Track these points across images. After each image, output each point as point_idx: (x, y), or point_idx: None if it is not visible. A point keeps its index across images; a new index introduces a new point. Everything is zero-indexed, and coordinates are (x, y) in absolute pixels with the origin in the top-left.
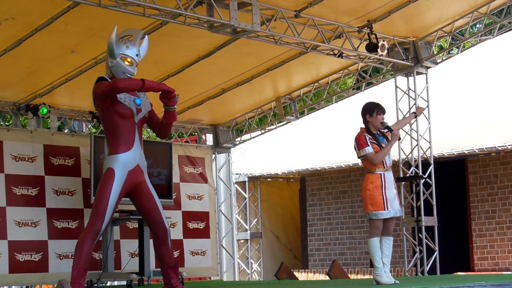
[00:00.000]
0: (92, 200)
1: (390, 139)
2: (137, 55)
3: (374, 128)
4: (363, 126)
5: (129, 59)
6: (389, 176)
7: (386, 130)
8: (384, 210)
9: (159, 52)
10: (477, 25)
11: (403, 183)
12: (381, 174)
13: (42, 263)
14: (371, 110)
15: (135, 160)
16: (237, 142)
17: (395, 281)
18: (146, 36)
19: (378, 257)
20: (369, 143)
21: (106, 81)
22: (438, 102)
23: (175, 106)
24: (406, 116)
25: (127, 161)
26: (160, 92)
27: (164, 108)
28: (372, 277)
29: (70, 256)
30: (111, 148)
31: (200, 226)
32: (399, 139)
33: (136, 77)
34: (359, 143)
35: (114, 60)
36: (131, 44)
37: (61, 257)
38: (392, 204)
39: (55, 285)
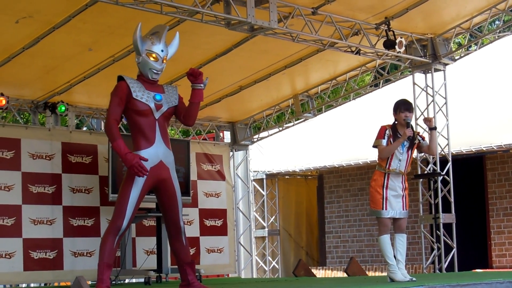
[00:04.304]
0: (110, 198)
1: (412, 149)
2: (162, 50)
3: (401, 127)
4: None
5: (154, 55)
6: (395, 178)
7: (416, 141)
8: (382, 209)
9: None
10: (496, 22)
11: (421, 180)
12: (385, 173)
13: (56, 261)
14: (396, 108)
15: (157, 157)
16: (255, 140)
17: (411, 278)
18: (177, 33)
19: (390, 254)
20: (385, 137)
21: (123, 81)
22: (456, 99)
23: (202, 85)
24: (431, 136)
25: (148, 157)
26: (187, 74)
27: (191, 88)
28: (386, 274)
29: (85, 254)
30: (134, 145)
31: (218, 223)
32: (410, 139)
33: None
34: (378, 133)
35: (140, 57)
36: (157, 40)
37: (76, 255)
38: (392, 205)
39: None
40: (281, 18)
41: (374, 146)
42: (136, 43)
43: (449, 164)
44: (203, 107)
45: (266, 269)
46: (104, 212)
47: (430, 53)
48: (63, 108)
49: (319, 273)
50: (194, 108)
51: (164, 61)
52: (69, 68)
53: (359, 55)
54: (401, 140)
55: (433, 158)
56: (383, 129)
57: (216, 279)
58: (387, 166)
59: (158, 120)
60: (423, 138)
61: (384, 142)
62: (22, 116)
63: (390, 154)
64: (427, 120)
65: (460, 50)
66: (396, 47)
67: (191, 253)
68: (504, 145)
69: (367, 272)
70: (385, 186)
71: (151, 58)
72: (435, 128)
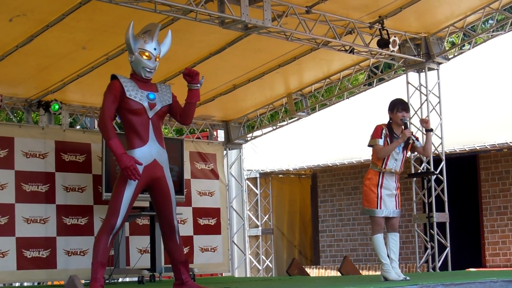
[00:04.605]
0: (103, 197)
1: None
2: (155, 49)
3: (397, 126)
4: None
5: (147, 53)
6: (390, 178)
7: (410, 141)
8: (377, 208)
9: (170, 49)
10: (489, 21)
11: (415, 179)
12: (379, 172)
13: (50, 259)
14: (392, 107)
15: (151, 155)
16: (249, 138)
17: (405, 277)
18: (170, 31)
19: (383, 253)
20: (382, 137)
21: (116, 80)
22: (450, 98)
23: (198, 85)
24: (427, 138)
25: (142, 156)
26: (183, 74)
27: (187, 88)
28: (380, 273)
29: (78, 253)
30: (127, 144)
31: (211, 222)
32: (409, 140)
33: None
34: (374, 132)
35: (133, 55)
36: (149, 39)
37: (69, 254)
38: (386, 204)
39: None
40: (275, 17)
41: (370, 145)
42: (128, 42)
43: (443, 163)
44: (197, 105)
45: (260, 268)
46: (98, 211)
47: (424, 52)
48: (57, 106)
49: (313, 272)
50: (191, 108)
51: (157, 59)
52: (62, 66)
53: (353, 54)
54: (400, 141)
55: (426, 157)
56: (379, 128)
57: (209, 278)
58: (384, 166)
59: (152, 119)
60: (417, 139)
61: (381, 141)
62: (15, 114)
63: (388, 154)
64: (423, 122)
65: (454, 49)
66: (390, 46)
67: (185, 252)
68: (497, 144)
69: (360, 271)
70: (379, 185)
71: (144, 57)
72: (431, 130)
